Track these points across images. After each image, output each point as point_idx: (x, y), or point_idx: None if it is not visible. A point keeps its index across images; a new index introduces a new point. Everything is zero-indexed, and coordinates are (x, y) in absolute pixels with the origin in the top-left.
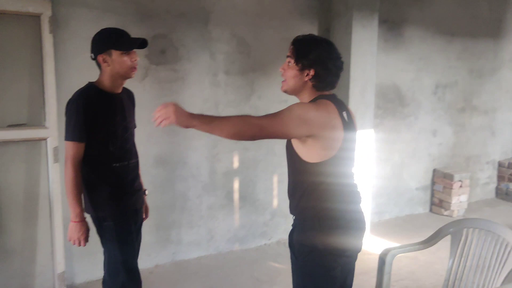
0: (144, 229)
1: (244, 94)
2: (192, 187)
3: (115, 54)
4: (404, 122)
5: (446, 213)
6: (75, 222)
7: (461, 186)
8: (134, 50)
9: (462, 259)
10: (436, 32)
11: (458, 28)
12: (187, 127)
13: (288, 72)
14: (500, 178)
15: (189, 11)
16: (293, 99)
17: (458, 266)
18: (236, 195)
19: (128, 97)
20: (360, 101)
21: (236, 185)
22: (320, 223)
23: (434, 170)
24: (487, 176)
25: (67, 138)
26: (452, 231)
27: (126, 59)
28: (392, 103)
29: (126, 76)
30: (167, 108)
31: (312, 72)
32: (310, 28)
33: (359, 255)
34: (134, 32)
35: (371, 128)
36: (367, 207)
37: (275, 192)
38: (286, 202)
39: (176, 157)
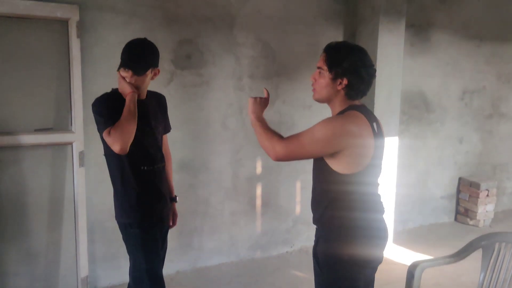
0: None
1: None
2: (214, 193)
3: None
4: (430, 128)
5: (471, 222)
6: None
7: (487, 195)
8: (124, 69)
9: (494, 273)
10: (464, 37)
11: (487, 32)
12: (249, 115)
13: (319, 81)
14: None
15: (214, 16)
16: (318, 105)
17: (490, 280)
18: (258, 202)
19: (156, 102)
20: (386, 107)
21: (258, 191)
22: (346, 233)
23: (460, 179)
24: None
25: (105, 127)
26: (484, 244)
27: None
28: (417, 109)
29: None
30: (252, 100)
31: (345, 81)
32: (336, 33)
33: (383, 265)
34: (161, 36)
35: (395, 135)
36: (390, 215)
37: (297, 198)
38: (309, 209)
39: (199, 162)
